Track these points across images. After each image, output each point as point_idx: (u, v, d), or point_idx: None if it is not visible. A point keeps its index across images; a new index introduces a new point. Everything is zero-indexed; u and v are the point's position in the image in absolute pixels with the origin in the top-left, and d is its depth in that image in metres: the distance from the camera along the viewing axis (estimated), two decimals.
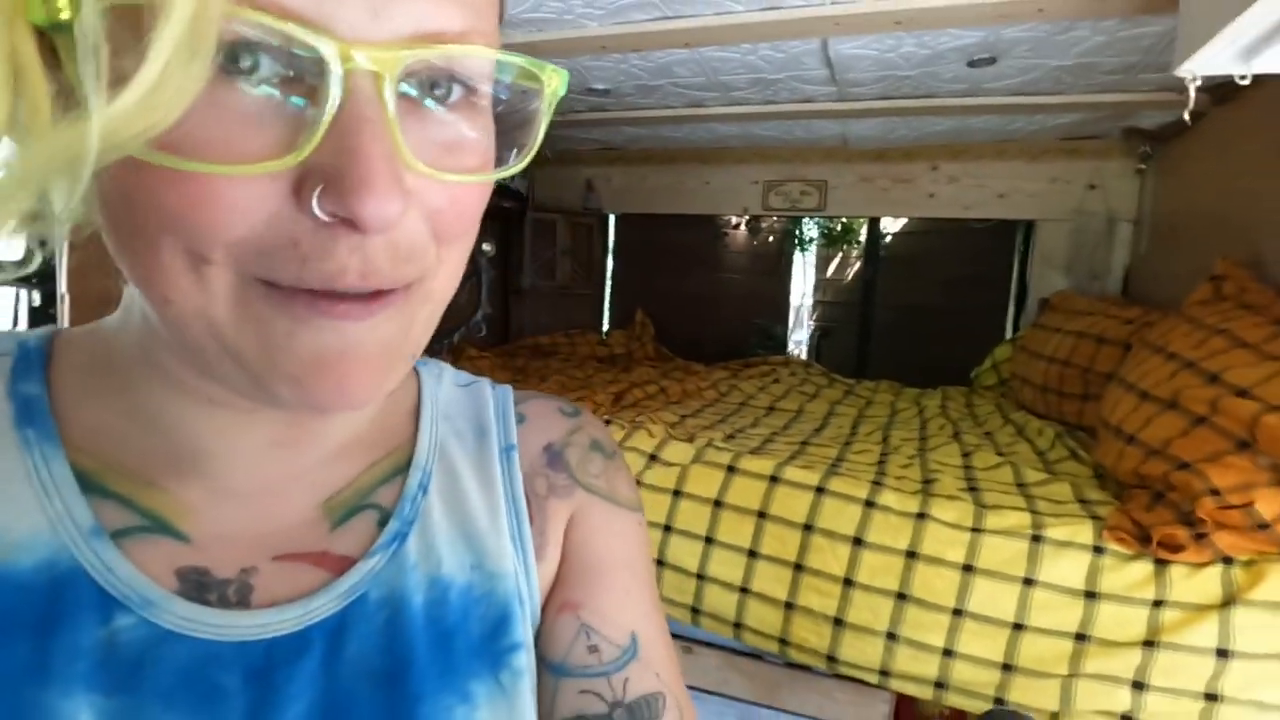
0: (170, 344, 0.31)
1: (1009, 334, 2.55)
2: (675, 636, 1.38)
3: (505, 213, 2.57)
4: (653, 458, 1.37)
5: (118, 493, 0.32)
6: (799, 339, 3.82)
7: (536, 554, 0.40)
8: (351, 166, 0.24)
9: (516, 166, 0.31)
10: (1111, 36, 1.45)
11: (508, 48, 0.28)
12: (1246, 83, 0.87)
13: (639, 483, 1.34)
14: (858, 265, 3.43)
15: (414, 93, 0.28)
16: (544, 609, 0.40)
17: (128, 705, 0.30)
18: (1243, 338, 1.16)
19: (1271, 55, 0.63)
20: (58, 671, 0.29)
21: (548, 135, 0.31)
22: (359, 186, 0.24)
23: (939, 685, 1.11)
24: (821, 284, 3.82)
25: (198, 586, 0.33)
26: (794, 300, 3.14)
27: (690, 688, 1.39)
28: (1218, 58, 0.66)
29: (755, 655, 1.36)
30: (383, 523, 0.37)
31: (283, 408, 0.32)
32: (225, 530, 0.34)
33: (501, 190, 2.45)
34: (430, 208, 0.28)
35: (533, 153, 0.31)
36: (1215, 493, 0.98)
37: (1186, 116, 0.87)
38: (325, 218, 0.25)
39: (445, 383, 0.44)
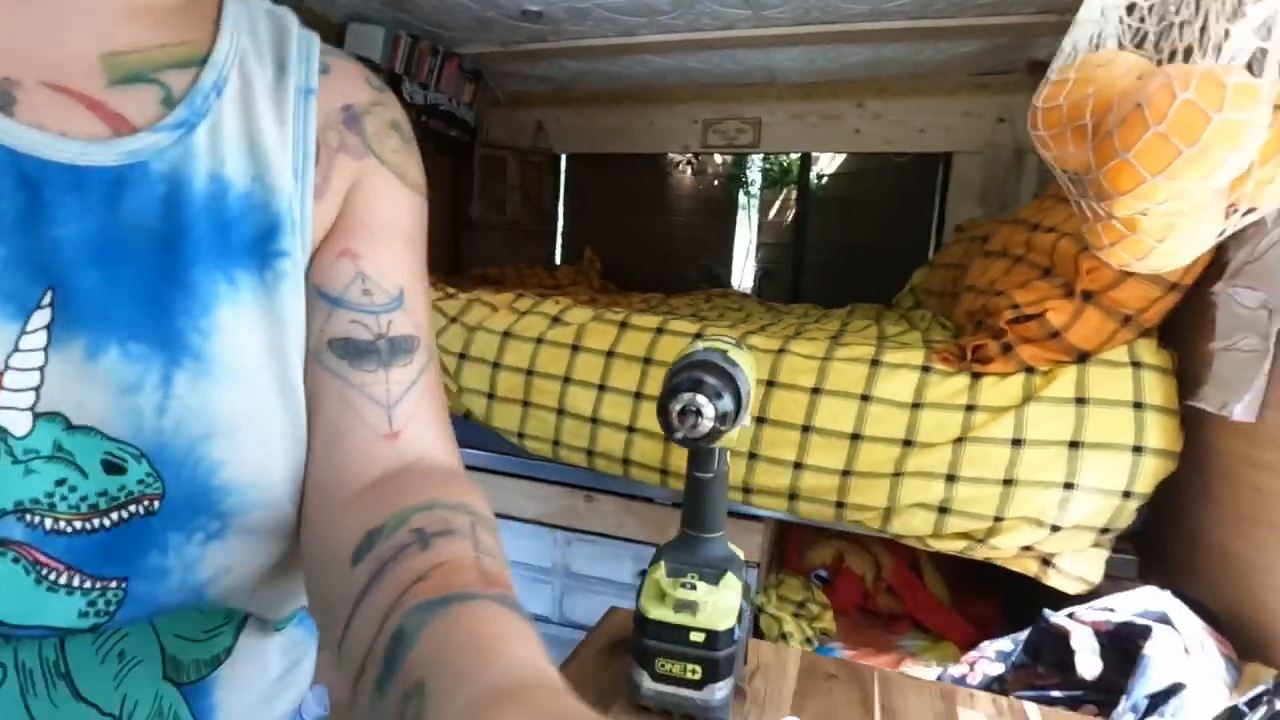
0: None
1: None
2: (574, 486, 1.52)
3: (454, 143, 2.68)
4: (555, 319, 1.51)
5: None
6: (743, 279, 3.97)
7: (316, 192, 0.41)
8: None
9: None
10: None
11: None
12: None
13: (541, 340, 1.47)
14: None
15: None
16: (322, 249, 0.42)
17: None
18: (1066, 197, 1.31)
19: None
20: None
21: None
22: None
23: (792, 497, 1.26)
24: (764, 227, 3.97)
25: None
26: (738, 242, 3.30)
27: (590, 532, 1.54)
28: None
29: (646, 499, 1.50)
30: (168, 104, 0.37)
31: None
32: None
33: (450, 119, 2.57)
34: None
35: None
36: (1015, 307, 1.13)
37: None
38: None
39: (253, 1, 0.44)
